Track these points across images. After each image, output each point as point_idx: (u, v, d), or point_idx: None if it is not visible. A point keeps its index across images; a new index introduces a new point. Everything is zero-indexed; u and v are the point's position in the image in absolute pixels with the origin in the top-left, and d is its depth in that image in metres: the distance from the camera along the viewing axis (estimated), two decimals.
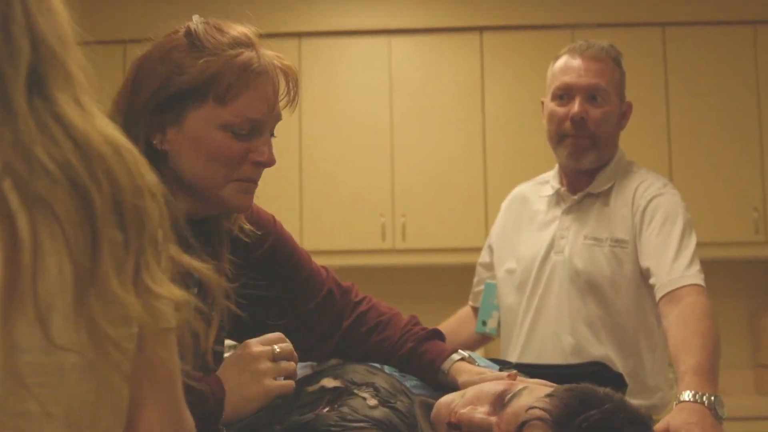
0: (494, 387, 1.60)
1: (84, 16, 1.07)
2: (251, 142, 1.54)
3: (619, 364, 2.37)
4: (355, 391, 1.68)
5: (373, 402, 1.64)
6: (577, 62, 2.46)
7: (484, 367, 1.83)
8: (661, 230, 2.33)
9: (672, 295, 2.19)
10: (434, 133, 4.88)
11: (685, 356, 2.00)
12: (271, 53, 1.56)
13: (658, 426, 1.85)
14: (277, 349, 1.55)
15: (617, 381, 1.71)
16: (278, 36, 4.71)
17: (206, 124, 1.50)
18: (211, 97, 1.49)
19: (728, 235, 4.62)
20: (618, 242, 2.42)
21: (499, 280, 2.64)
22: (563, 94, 2.47)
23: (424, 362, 1.78)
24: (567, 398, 1.50)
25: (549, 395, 1.52)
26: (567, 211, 2.54)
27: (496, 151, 4.79)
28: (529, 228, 2.62)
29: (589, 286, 2.44)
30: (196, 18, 1.55)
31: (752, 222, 4.68)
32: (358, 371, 1.75)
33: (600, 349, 2.41)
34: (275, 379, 1.54)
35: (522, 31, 4.86)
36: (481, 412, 1.55)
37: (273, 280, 1.72)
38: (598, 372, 1.75)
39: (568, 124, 2.44)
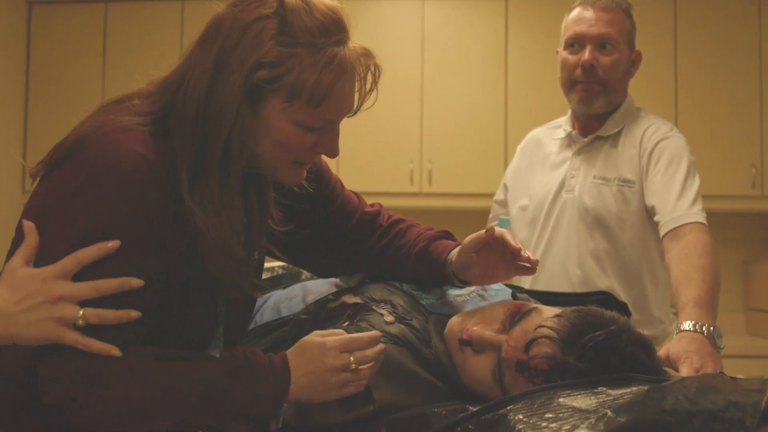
0: (505, 307, 1.51)
1: None
2: (321, 135, 1.37)
3: (623, 296, 2.29)
4: (374, 307, 1.60)
5: (390, 318, 1.56)
6: (588, 13, 2.37)
7: (497, 290, 1.74)
8: (667, 171, 2.23)
9: (675, 231, 2.11)
10: (460, 87, 4.83)
11: (686, 288, 1.92)
12: (358, 47, 1.36)
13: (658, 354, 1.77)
14: (354, 365, 1.36)
15: (622, 310, 1.61)
16: None
17: (283, 116, 1.32)
18: (295, 98, 1.30)
19: (726, 189, 4.51)
20: (625, 182, 2.33)
21: (513, 216, 2.56)
22: (574, 43, 2.38)
23: (433, 258, 1.67)
24: (574, 318, 1.43)
25: (557, 315, 1.44)
26: (578, 153, 2.45)
27: (516, 106, 4.73)
28: (542, 168, 2.53)
29: (596, 222, 2.35)
30: None
31: (750, 177, 4.57)
32: (377, 289, 1.66)
33: (605, 281, 2.33)
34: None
35: None
36: (491, 330, 1.47)
37: (314, 204, 1.62)
38: (604, 300, 1.66)
39: (579, 71, 2.36)
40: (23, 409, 1.30)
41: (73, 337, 1.18)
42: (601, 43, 2.34)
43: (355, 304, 1.63)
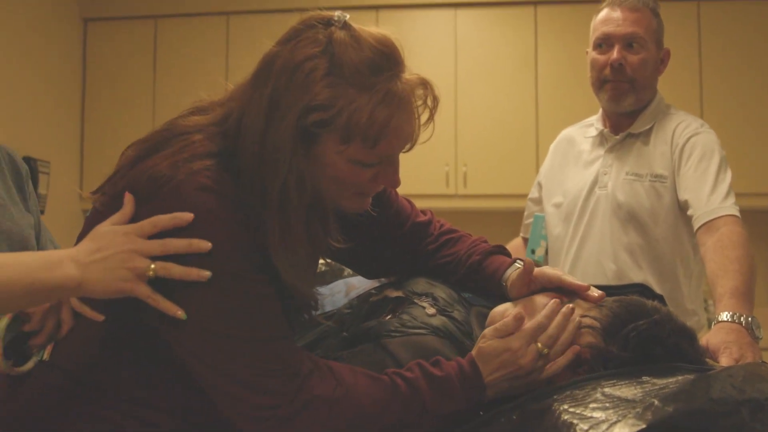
0: (547, 297, 1.44)
1: None
2: (381, 168, 1.28)
3: (657, 289, 2.18)
4: (416, 300, 1.53)
5: (431, 311, 1.49)
6: (616, 13, 2.29)
7: None
8: (699, 165, 2.14)
9: (709, 225, 2.02)
10: (492, 92, 4.76)
11: (722, 280, 1.83)
12: (413, 78, 1.24)
13: None
14: (544, 350, 1.30)
15: (658, 301, 1.53)
16: (357, 9, 4.60)
17: (339, 156, 1.22)
18: (349, 140, 1.20)
19: (755, 187, 4.34)
20: (657, 177, 2.24)
21: (547, 213, 2.48)
22: (603, 43, 2.31)
23: (487, 273, 1.56)
24: (616, 308, 1.36)
25: (599, 306, 1.37)
26: (610, 150, 2.37)
27: (547, 108, 4.65)
28: (575, 166, 2.45)
29: (630, 217, 2.26)
30: (338, 15, 1.23)
31: None
32: (419, 283, 1.59)
33: (639, 275, 2.24)
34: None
35: (571, 5, 4.67)
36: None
37: (371, 217, 1.49)
38: (641, 293, 1.57)
39: (608, 70, 2.28)
40: (76, 402, 1.25)
41: (144, 291, 1.15)
42: (628, 43, 2.27)
43: (397, 297, 1.56)
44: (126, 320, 1.23)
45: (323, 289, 1.76)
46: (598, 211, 2.32)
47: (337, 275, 1.84)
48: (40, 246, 1.76)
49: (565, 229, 2.40)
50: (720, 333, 1.63)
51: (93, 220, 1.25)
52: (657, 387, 1.13)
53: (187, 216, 1.15)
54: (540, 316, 1.32)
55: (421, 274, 1.63)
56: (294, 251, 1.22)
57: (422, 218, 1.65)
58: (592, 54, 2.34)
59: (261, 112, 1.20)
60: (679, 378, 1.15)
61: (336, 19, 1.22)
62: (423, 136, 1.30)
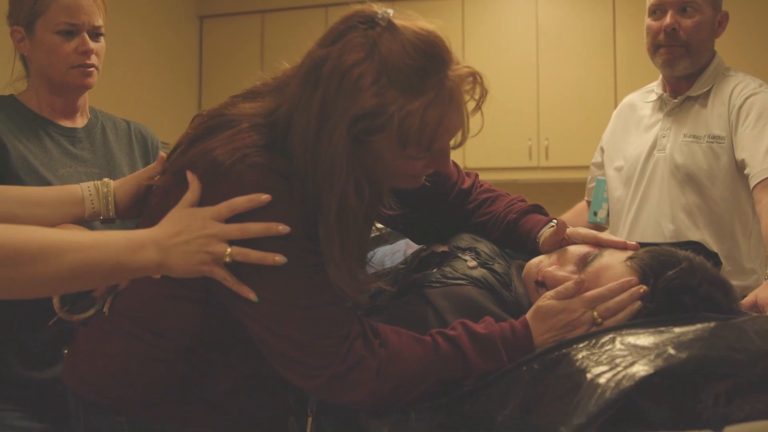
0: (578, 249, 1.34)
1: None
2: (433, 156, 1.20)
3: (715, 248, 2.04)
4: (459, 254, 1.46)
5: (473, 263, 1.42)
6: None
7: None
8: (756, 125, 1.97)
9: (766, 182, 1.86)
10: (572, 71, 4.60)
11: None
12: (462, 71, 1.13)
13: (746, 299, 1.55)
14: (599, 319, 1.19)
15: (712, 259, 1.40)
16: None
17: (391, 154, 1.13)
18: (404, 144, 1.12)
19: None
20: (715, 138, 2.08)
21: (609, 176, 2.34)
22: (657, 10, 2.16)
23: (523, 231, 1.48)
24: (647, 258, 1.24)
25: (630, 257, 1.26)
26: (669, 114, 2.21)
27: (624, 86, 4.41)
28: (636, 130, 2.30)
29: (688, 178, 2.11)
30: (382, 13, 1.12)
31: None
32: (464, 238, 1.52)
33: (697, 234, 2.08)
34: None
35: None
36: (565, 271, 1.31)
37: (425, 188, 1.38)
38: (695, 250, 1.44)
39: (662, 35, 2.14)
40: (174, 391, 1.23)
41: (222, 273, 1.11)
42: (682, 7, 2.11)
43: (443, 252, 1.50)
44: (189, 283, 1.19)
45: (386, 248, 1.72)
46: (656, 173, 2.18)
47: (399, 236, 1.79)
48: None
49: (625, 192, 2.26)
50: None
51: (157, 197, 1.25)
52: (675, 335, 1.03)
53: (264, 197, 1.09)
54: (605, 288, 1.21)
55: (466, 230, 1.56)
56: (347, 268, 1.14)
57: (467, 182, 1.56)
58: (647, 21, 2.20)
59: (311, 118, 1.11)
60: (699, 326, 1.04)
61: (380, 17, 1.11)
62: (473, 129, 1.19)
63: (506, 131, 4.56)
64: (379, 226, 1.75)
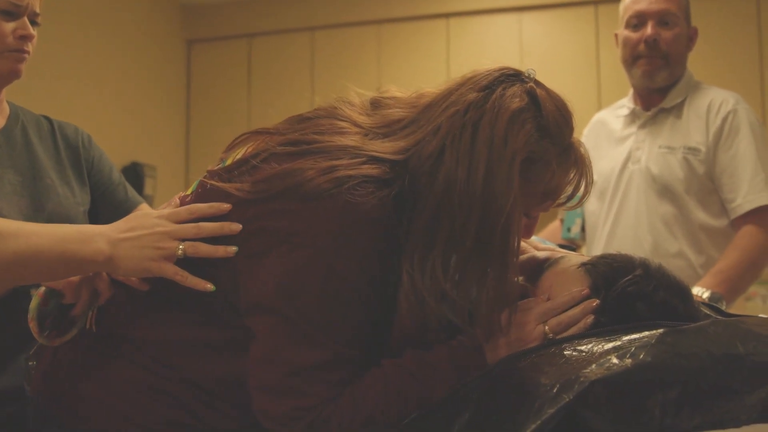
0: (536, 255, 1.30)
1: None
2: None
3: (692, 258, 2.06)
4: None
5: None
6: None
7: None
8: (735, 144, 2.03)
9: (745, 216, 2.00)
10: (557, 88, 4.21)
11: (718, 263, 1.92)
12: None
13: None
14: (550, 334, 1.14)
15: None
16: (428, 17, 4.53)
17: (532, 200, 1.14)
18: (547, 195, 1.15)
19: None
20: (691, 150, 2.08)
21: None
22: (637, 22, 2.15)
23: None
24: (601, 265, 1.18)
25: (584, 264, 1.20)
26: (642, 126, 2.21)
27: (609, 102, 4.05)
28: (608, 144, 2.29)
29: (665, 189, 2.11)
30: (528, 72, 1.17)
31: None
32: None
33: (675, 245, 2.08)
34: None
35: None
36: (521, 279, 1.26)
37: None
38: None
39: (642, 47, 2.14)
40: (201, 412, 1.15)
41: (171, 270, 1.08)
42: (662, 20, 2.12)
43: None
44: (172, 290, 1.12)
45: None
46: (632, 185, 2.17)
47: None
48: (128, 199, 1.65)
49: (600, 206, 2.25)
50: None
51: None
52: (621, 343, 0.99)
53: (224, 206, 1.06)
54: (557, 302, 1.14)
55: None
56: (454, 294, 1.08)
57: None
58: (624, 33, 2.19)
59: (480, 160, 1.06)
60: (647, 333, 1.00)
61: (527, 75, 1.16)
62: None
63: None
64: None
